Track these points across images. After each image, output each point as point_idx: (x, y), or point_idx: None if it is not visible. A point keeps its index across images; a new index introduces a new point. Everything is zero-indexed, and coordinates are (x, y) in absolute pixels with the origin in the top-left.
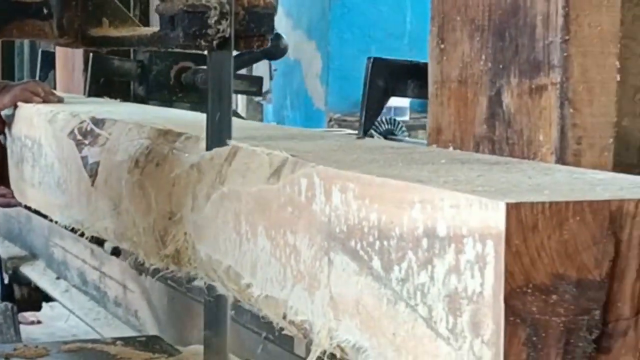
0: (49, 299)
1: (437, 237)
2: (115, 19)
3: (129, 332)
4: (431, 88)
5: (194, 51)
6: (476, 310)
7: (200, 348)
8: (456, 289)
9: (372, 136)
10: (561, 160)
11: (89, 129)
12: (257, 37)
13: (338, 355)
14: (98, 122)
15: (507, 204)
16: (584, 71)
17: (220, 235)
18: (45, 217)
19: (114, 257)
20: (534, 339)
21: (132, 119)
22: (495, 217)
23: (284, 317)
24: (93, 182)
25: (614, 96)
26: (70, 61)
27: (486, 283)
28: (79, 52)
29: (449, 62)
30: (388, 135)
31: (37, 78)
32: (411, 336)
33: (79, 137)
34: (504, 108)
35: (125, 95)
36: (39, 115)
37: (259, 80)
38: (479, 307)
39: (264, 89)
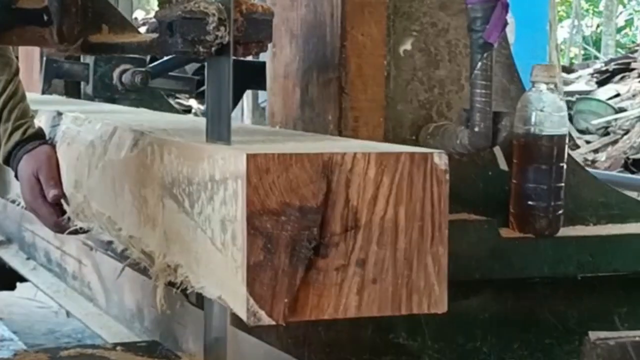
0: (22, 279)
1: (215, 181)
2: (114, 25)
3: (84, 303)
4: (268, 82)
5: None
6: (234, 229)
7: (200, 353)
8: (224, 215)
9: None
10: (343, 134)
11: None
12: (255, 43)
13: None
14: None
15: (247, 155)
16: (358, 68)
17: (104, 194)
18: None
19: (72, 237)
20: (269, 246)
21: (55, 109)
22: (241, 164)
23: (142, 251)
24: None
25: (384, 87)
26: (30, 64)
27: (238, 209)
28: (37, 56)
29: (278, 62)
30: None
31: None
32: (204, 252)
33: None
34: (310, 96)
35: (76, 94)
36: None
37: (192, 80)
38: (235, 226)
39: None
